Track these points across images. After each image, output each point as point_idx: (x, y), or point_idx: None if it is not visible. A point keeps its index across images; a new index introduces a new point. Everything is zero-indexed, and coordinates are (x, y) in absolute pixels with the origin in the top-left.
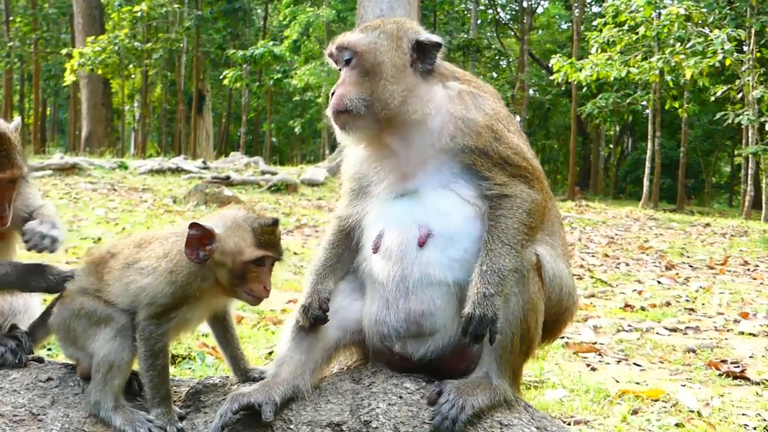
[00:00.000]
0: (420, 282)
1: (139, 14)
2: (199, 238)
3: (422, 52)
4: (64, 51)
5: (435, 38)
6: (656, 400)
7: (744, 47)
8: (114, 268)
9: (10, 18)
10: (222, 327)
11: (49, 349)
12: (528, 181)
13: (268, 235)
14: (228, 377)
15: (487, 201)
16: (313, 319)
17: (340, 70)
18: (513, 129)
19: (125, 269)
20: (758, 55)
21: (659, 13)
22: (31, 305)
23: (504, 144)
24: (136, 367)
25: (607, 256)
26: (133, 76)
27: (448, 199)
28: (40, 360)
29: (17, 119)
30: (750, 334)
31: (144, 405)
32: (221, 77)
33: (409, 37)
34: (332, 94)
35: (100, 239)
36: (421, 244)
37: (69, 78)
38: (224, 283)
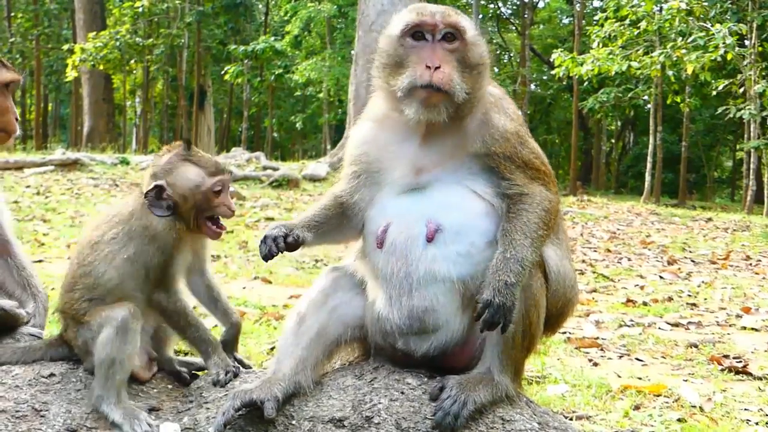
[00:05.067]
0: (424, 279)
1: (140, 10)
2: (155, 197)
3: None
4: (65, 47)
5: None
6: (658, 396)
7: (745, 42)
8: (84, 255)
9: (12, 14)
10: (205, 285)
11: None
12: (545, 183)
13: (205, 159)
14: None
15: (507, 199)
16: (267, 249)
17: (420, 38)
18: (529, 133)
19: (94, 248)
20: (760, 49)
21: (660, 8)
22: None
23: (527, 148)
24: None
25: (608, 251)
26: (134, 71)
27: (458, 194)
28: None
29: None
30: (752, 329)
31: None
32: (222, 72)
33: (485, 38)
34: (432, 67)
35: None
36: (430, 239)
37: (70, 74)
38: (191, 219)
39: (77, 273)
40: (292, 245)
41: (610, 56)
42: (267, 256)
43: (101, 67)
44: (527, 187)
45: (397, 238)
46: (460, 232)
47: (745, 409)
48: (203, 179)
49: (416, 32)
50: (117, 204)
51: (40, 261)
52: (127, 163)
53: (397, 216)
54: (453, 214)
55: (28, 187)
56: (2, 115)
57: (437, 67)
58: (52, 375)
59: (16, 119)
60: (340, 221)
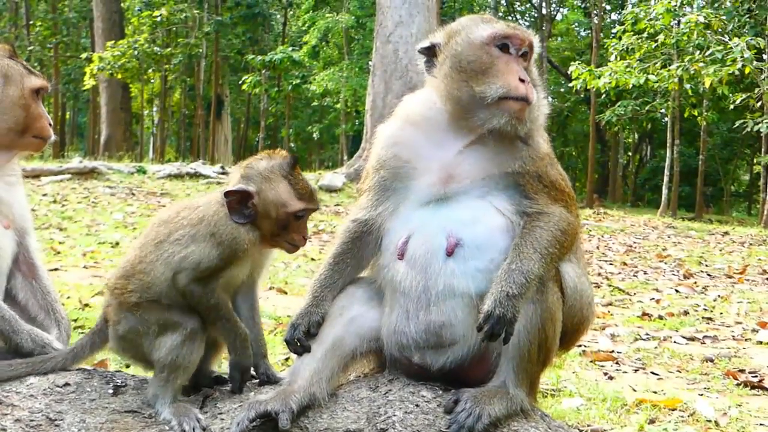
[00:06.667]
0: (443, 293)
1: (158, 19)
2: (239, 201)
3: None
4: (83, 55)
5: None
6: (673, 410)
7: (763, 56)
8: (146, 252)
9: (31, 22)
10: (249, 304)
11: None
12: (566, 205)
13: (302, 183)
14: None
15: (525, 216)
16: (297, 340)
17: (505, 51)
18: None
19: (158, 246)
20: None
21: (678, 21)
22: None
23: (555, 170)
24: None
25: (625, 264)
26: (152, 80)
27: (481, 209)
28: None
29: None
30: None
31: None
32: (240, 82)
33: None
34: (525, 81)
35: (117, 243)
36: (450, 253)
37: (88, 82)
38: (266, 233)
39: (137, 267)
40: (316, 327)
41: (628, 69)
42: (302, 345)
43: (119, 76)
44: (548, 207)
45: (417, 250)
46: (480, 247)
47: (761, 424)
48: (292, 201)
49: (504, 44)
50: (189, 203)
51: (55, 269)
52: (144, 172)
53: (418, 228)
54: (473, 229)
55: (44, 195)
56: (36, 120)
57: (528, 82)
58: (66, 384)
59: (50, 124)
60: (358, 261)
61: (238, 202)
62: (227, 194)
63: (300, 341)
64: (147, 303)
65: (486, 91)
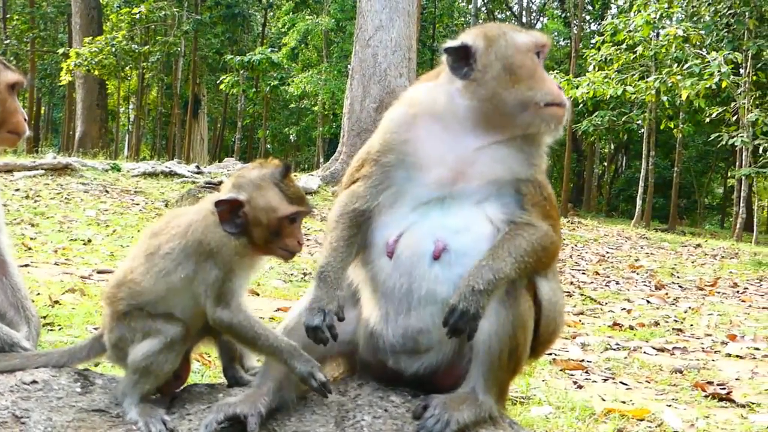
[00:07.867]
0: (425, 298)
1: (137, 16)
2: (229, 210)
3: None
4: (60, 50)
5: None
6: (641, 420)
7: (740, 70)
8: (137, 263)
9: (8, 16)
10: None
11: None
12: (554, 225)
13: (293, 189)
14: (214, 386)
15: (512, 225)
16: (328, 326)
17: (538, 56)
18: None
19: (149, 259)
20: (754, 78)
21: (657, 34)
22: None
23: (549, 184)
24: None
25: (597, 273)
26: (129, 78)
27: (472, 215)
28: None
29: None
30: (737, 356)
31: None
32: (218, 82)
33: None
34: (561, 88)
35: (90, 241)
36: (436, 257)
37: (65, 78)
38: (259, 242)
39: (128, 277)
40: (342, 310)
41: (606, 80)
42: (332, 329)
43: (96, 73)
44: (537, 221)
45: (404, 251)
46: (466, 254)
47: None
48: (281, 206)
49: (539, 51)
50: (179, 212)
51: (26, 265)
52: (119, 170)
53: (410, 227)
54: (461, 235)
55: (17, 190)
56: (12, 116)
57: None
58: (34, 382)
59: (25, 120)
60: (358, 246)
61: (229, 211)
62: (218, 204)
63: (331, 328)
64: (134, 311)
65: (536, 95)
